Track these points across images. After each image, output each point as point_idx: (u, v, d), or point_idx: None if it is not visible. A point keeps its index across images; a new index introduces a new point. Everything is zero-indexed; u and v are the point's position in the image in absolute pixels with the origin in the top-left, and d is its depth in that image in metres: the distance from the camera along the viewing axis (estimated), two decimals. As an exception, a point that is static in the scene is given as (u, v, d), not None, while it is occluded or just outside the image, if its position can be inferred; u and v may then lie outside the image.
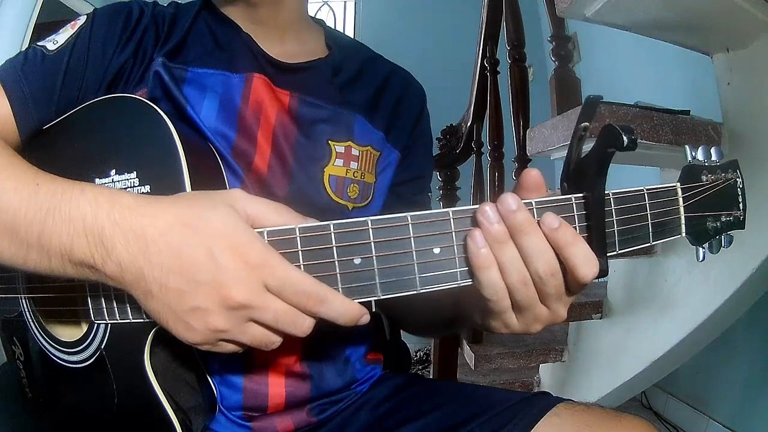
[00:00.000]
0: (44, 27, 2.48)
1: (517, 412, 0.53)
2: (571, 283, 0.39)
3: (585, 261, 0.37)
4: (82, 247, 0.37)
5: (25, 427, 0.60)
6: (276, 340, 0.39)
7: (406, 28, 3.45)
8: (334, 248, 0.38)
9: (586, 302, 1.43)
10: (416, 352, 2.49)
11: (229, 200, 0.39)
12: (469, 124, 1.84)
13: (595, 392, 1.42)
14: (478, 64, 1.77)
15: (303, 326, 0.38)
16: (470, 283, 0.39)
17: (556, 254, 0.38)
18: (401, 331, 0.75)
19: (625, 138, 0.35)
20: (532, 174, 0.40)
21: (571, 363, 1.55)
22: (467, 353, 1.52)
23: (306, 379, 0.59)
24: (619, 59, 2.24)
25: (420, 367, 2.41)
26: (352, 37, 3.59)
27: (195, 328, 0.37)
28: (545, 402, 0.54)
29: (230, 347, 0.40)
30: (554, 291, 0.39)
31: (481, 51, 1.76)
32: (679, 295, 1.18)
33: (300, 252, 0.39)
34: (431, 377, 1.63)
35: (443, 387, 0.66)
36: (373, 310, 0.39)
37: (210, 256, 0.36)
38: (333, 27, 0.79)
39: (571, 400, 0.55)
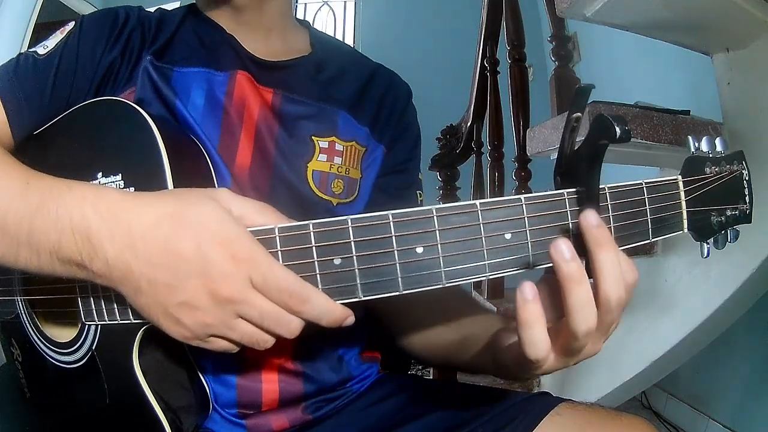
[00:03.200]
0: (44, 27, 2.48)
1: (519, 412, 0.53)
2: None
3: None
4: (69, 245, 0.37)
5: (25, 427, 0.60)
6: (268, 339, 0.39)
7: (407, 28, 3.46)
8: (314, 248, 0.37)
9: (586, 302, 1.43)
10: (416, 352, 2.48)
11: (214, 196, 0.39)
12: (469, 124, 1.85)
13: (595, 392, 1.42)
14: (478, 64, 1.78)
15: (289, 327, 0.37)
16: (454, 284, 0.37)
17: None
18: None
19: (617, 129, 0.32)
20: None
21: (571, 363, 1.55)
22: (467, 353, 1.52)
23: (299, 376, 0.59)
24: (619, 59, 2.24)
25: (420, 367, 2.41)
26: (351, 37, 3.61)
27: (184, 322, 0.37)
28: (546, 402, 0.54)
29: (221, 344, 0.39)
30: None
31: (481, 51, 1.76)
32: (679, 295, 1.18)
33: (279, 252, 0.37)
34: (431, 377, 1.63)
35: (443, 387, 0.66)
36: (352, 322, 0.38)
37: (198, 249, 0.36)
38: (333, 27, 0.80)
39: (571, 400, 0.55)
